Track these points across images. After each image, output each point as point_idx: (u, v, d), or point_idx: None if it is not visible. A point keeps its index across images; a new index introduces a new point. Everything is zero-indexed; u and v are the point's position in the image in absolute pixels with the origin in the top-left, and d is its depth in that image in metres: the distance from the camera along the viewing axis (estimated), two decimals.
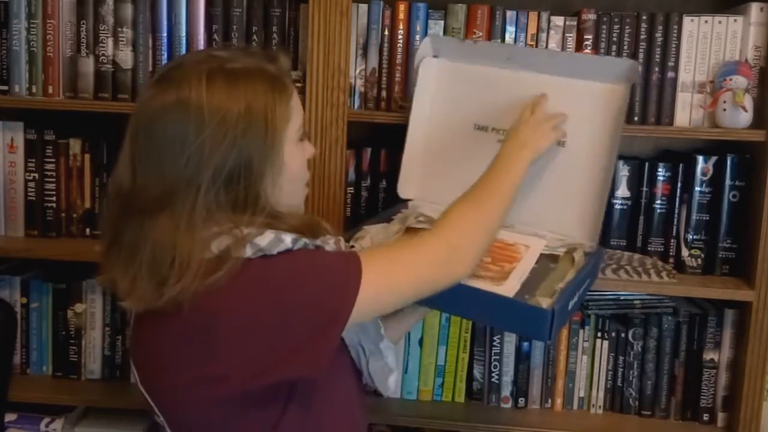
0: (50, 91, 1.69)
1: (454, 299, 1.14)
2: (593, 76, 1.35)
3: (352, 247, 1.27)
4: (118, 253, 0.98)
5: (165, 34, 1.67)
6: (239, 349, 0.94)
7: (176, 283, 0.92)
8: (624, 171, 1.68)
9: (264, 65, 1.02)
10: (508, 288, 1.20)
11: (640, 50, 1.63)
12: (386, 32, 1.66)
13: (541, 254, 1.31)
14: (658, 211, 1.68)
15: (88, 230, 1.76)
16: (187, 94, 0.95)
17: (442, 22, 1.65)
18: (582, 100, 1.35)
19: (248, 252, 0.95)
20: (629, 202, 1.69)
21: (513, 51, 1.48)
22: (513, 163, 1.21)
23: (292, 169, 1.04)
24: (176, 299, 0.93)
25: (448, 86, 1.49)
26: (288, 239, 0.97)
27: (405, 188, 1.52)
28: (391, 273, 1.03)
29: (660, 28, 1.62)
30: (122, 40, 1.67)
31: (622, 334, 1.71)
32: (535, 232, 1.35)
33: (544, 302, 1.16)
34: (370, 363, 1.16)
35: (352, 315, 0.97)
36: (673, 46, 1.62)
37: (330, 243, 1.06)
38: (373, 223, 1.39)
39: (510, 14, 1.64)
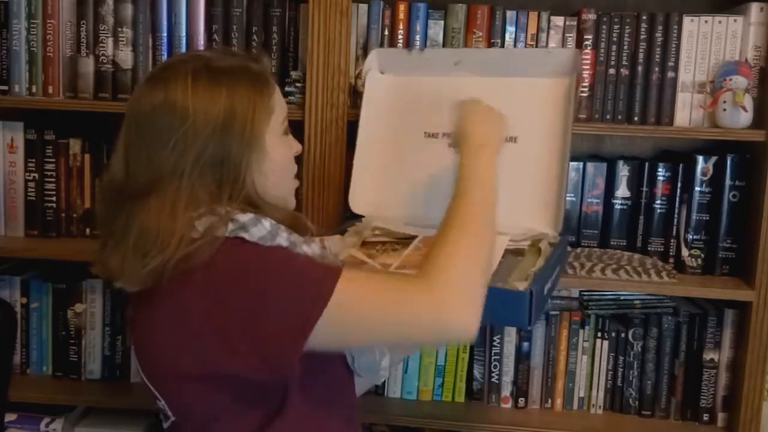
0: (50, 91, 1.69)
1: None
2: (540, 72, 1.40)
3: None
4: (111, 239, 1.03)
5: (165, 34, 1.67)
6: (207, 333, 0.96)
7: (158, 253, 0.96)
8: (624, 171, 1.68)
9: (246, 63, 1.07)
10: None
11: (640, 50, 1.63)
12: (386, 32, 1.66)
13: (506, 250, 1.27)
14: (658, 211, 1.68)
15: (88, 230, 1.76)
16: (173, 92, 1.01)
17: (442, 22, 1.65)
18: (530, 97, 1.39)
19: (229, 228, 0.98)
20: (629, 202, 1.69)
21: (460, 55, 1.49)
22: (482, 171, 1.11)
23: (275, 159, 1.07)
24: (157, 270, 0.96)
25: (394, 100, 1.49)
26: (267, 223, 1.00)
27: (357, 203, 1.47)
28: (365, 303, 0.96)
29: (660, 28, 1.62)
30: (122, 40, 1.67)
31: (622, 334, 1.71)
32: (497, 229, 1.29)
33: (521, 285, 1.13)
34: (358, 359, 1.18)
35: (314, 331, 0.92)
36: (673, 46, 1.62)
37: (312, 244, 1.06)
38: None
39: (510, 14, 1.64)
